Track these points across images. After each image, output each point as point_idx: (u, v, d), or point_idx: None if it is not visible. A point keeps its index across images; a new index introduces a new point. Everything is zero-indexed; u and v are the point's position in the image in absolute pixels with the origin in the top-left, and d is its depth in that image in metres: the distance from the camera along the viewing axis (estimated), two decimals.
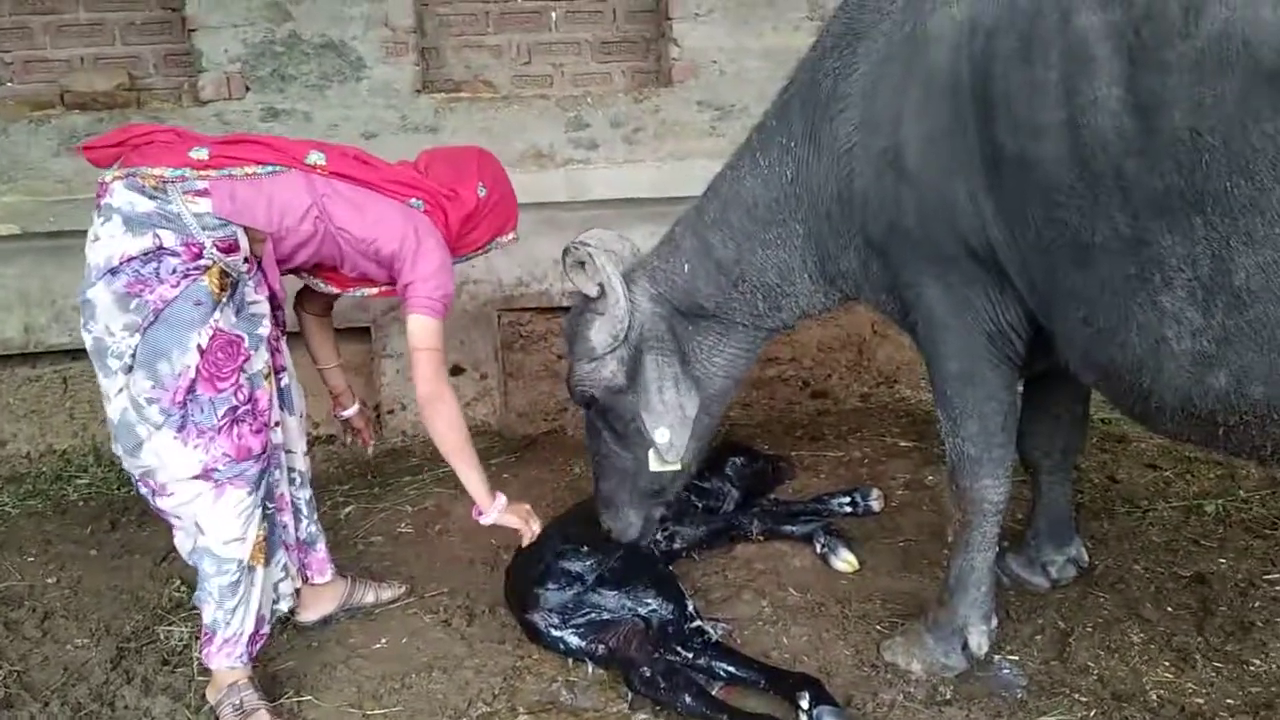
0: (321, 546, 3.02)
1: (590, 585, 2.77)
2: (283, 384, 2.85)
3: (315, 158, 2.61)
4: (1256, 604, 2.83)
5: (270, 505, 2.73)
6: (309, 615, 3.02)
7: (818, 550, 3.23)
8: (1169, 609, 2.84)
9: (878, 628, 2.83)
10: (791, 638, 2.81)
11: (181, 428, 2.43)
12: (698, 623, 2.72)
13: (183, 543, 2.63)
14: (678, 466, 2.86)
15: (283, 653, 2.88)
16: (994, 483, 2.51)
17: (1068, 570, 2.99)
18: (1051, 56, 1.93)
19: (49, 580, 3.34)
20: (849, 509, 3.52)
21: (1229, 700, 2.44)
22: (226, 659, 2.55)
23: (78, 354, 4.33)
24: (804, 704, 2.40)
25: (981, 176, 2.14)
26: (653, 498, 2.99)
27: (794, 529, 3.35)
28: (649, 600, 2.75)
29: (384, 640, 2.93)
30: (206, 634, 2.56)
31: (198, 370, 2.43)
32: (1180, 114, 1.76)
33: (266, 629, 2.68)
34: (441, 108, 4.47)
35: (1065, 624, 2.80)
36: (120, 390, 2.45)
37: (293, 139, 2.78)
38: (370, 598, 3.12)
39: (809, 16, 4.59)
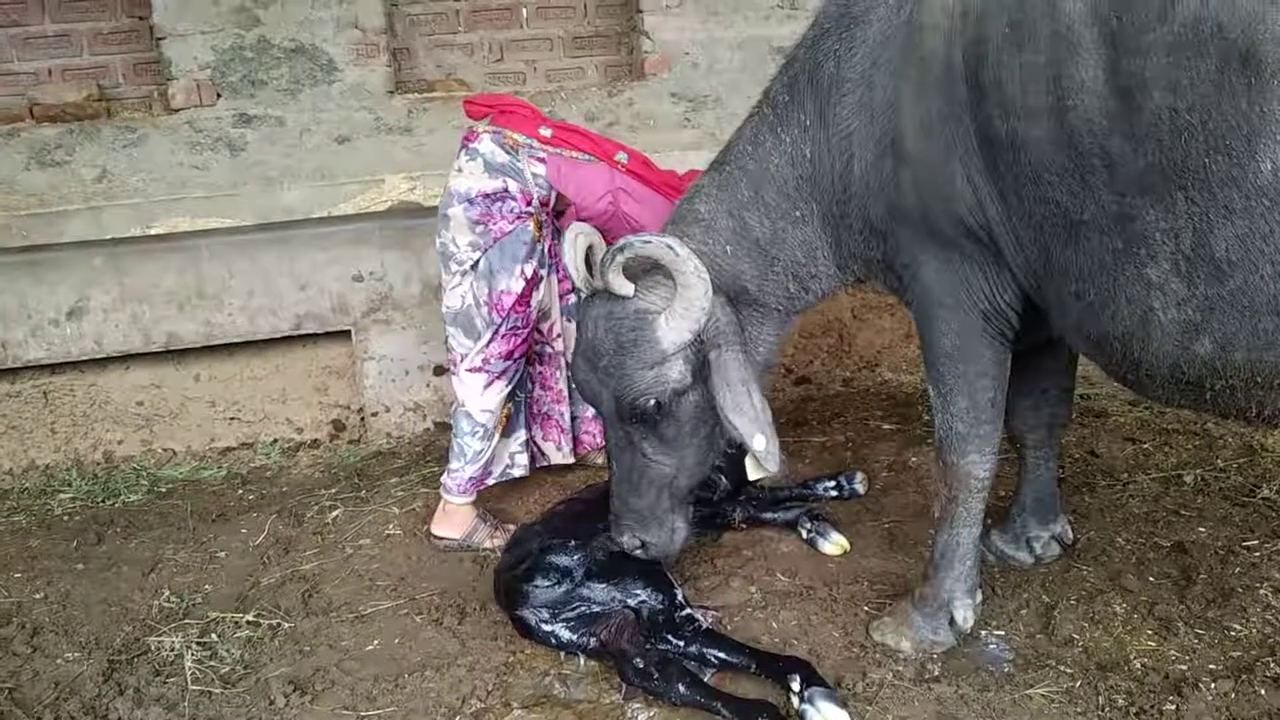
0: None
1: (579, 579, 2.79)
2: (569, 302, 3.70)
3: (620, 157, 3.41)
4: (1236, 570, 2.88)
5: (520, 394, 3.65)
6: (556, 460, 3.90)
7: (804, 536, 3.26)
8: (1151, 579, 2.88)
9: (865, 609, 2.86)
10: (781, 622, 2.83)
11: (492, 328, 3.35)
12: (688, 611, 2.74)
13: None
14: (776, 472, 2.67)
15: (274, 659, 2.87)
16: (980, 459, 2.55)
17: (1052, 547, 3.02)
18: (1040, 41, 1.99)
19: (36, 595, 3.32)
20: (834, 493, 3.55)
21: (1211, 665, 2.48)
22: (461, 494, 3.45)
23: (57, 368, 4.32)
24: (795, 686, 2.42)
25: (977, 159, 2.20)
26: (685, 502, 2.87)
27: (777, 515, 3.37)
28: (638, 591, 2.77)
29: (376, 642, 2.93)
30: (451, 474, 3.45)
31: (519, 295, 3.33)
32: (1160, 94, 1.85)
33: (491, 481, 3.61)
34: (415, 108, 4.47)
35: (1049, 597, 2.84)
36: (456, 288, 3.37)
37: (607, 138, 3.59)
38: (600, 460, 3.83)
39: (779, 5, 4.61)
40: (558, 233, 3.49)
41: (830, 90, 2.46)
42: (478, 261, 3.33)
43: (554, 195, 3.39)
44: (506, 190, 3.30)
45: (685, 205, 2.78)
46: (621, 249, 2.51)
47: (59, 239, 4.15)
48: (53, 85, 4.39)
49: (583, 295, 2.83)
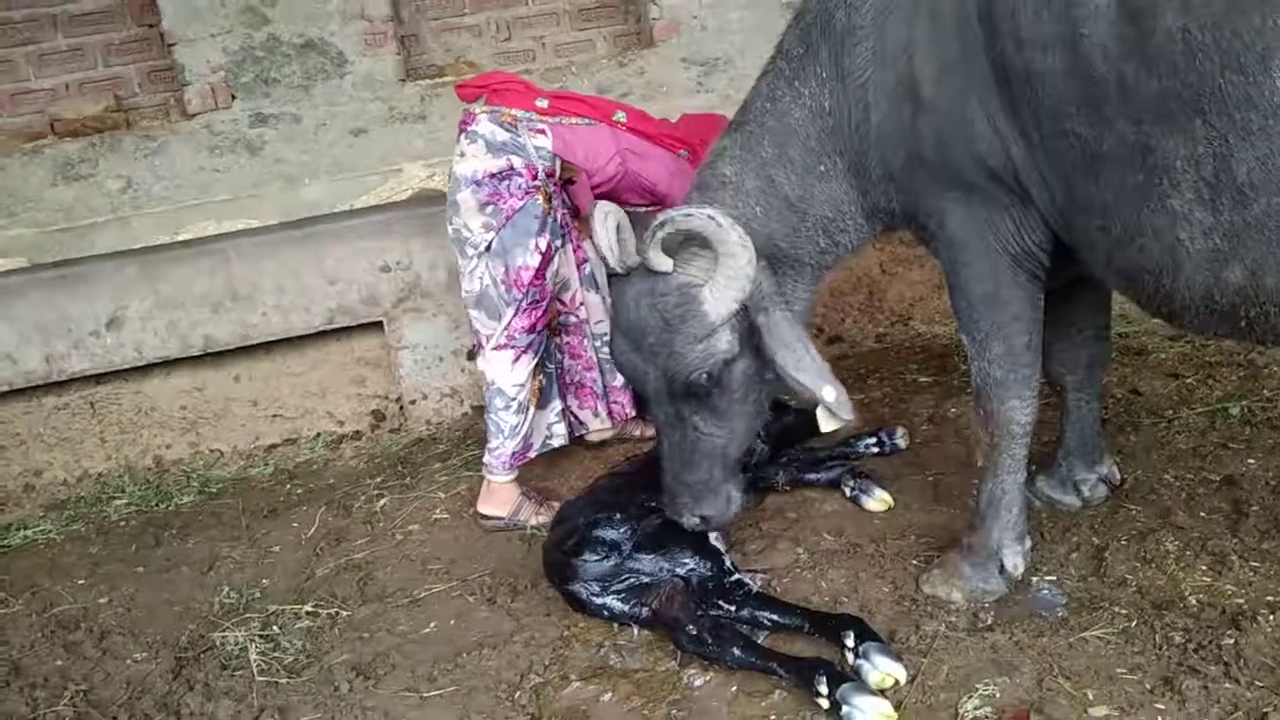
0: (628, 387, 3.82)
1: (627, 551, 2.81)
2: (586, 271, 3.74)
3: (619, 116, 3.44)
4: None
5: (549, 365, 3.70)
6: (595, 436, 3.97)
7: (848, 494, 3.26)
8: (1202, 514, 2.86)
9: (914, 562, 2.87)
10: (830, 581, 2.85)
11: (513, 304, 3.37)
12: (737, 575, 2.76)
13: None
14: (851, 419, 2.60)
15: (335, 647, 2.94)
16: (1021, 404, 2.53)
17: (1099, 489, 3.00)
18: None
19: (101, 600, 3.41)
20: (876, 450, 3.54)
21: (1269, 597, 2.46)
22: (502, 470, 3.48)
23: (102, 378, 4.40)
24: (849, 643, 2.44)
25: (995, 97, 2.17)
26: (736, 469, 2.84)
27: (819, 476, 3.38)
28: (686, 559, 2.79)
29: (433, 624, 2.99)
30: (492, 452, 3.48)
31: (536, 269, 3.34)
32: (1172, 15, 1.81)
33: (533, 454, 3.63)
34: (427, 94, 4.47)
35: (1099, 539, 2.82)
36: (473, 270, 3.40)
37: (602, 99, 3.67)
38: (638, 432, 3.99)
39: None
40: (567, 204, 3.56)
41: (844, 39, 2.42)
42: (491, 242, 3.35)
43: (559, 165, 3.40)
44: (511, 167, 3.31)
45: (708, 170, 2.70)
46: (663, 224, 2.46)
47: (91, 251, 4.22)
48: (71, 100, 4.44)
49: (617, 275, 2.77)
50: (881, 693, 2.32)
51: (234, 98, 4.33)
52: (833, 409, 2.55)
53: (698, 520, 2.77)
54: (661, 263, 2.52)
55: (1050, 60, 2.02)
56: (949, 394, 3.93)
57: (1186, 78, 1.83)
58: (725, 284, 2.49)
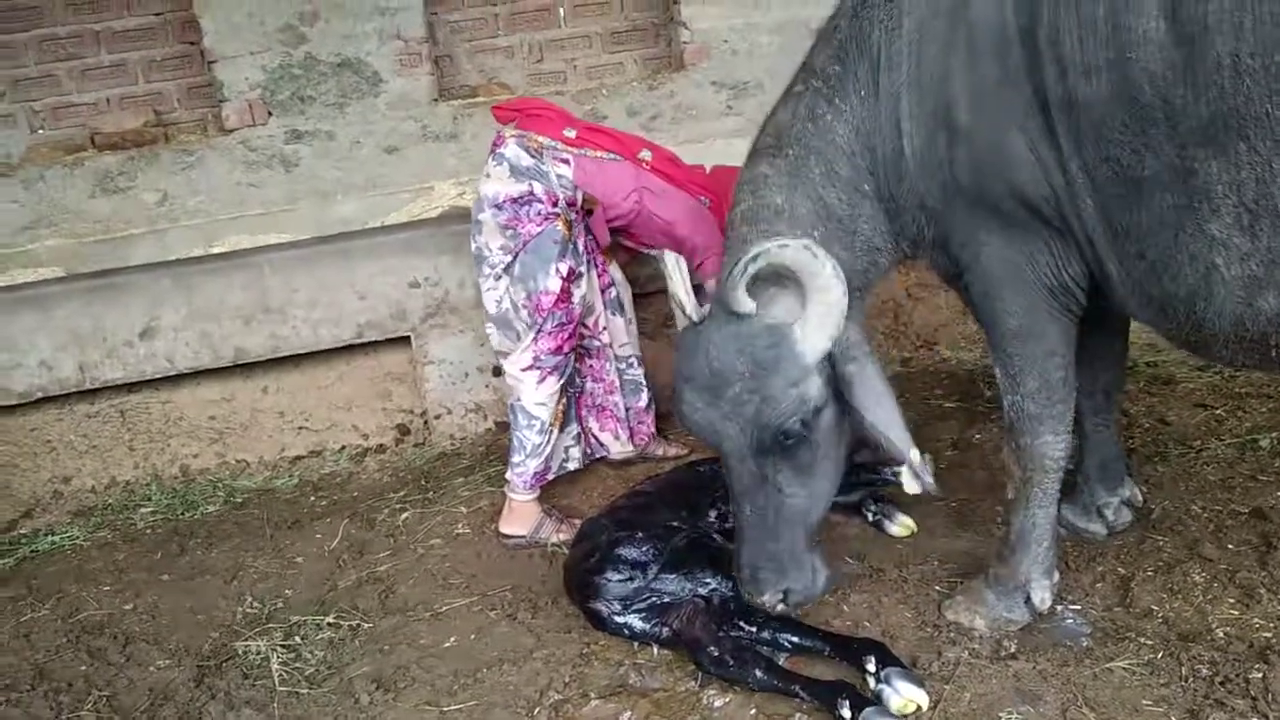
0: (653, 408, 3.98)
1: (649, 570, 2.81)
2: (611, 295, 3.80)
3: (644, 154, 3.50)
4: None
5: (571, 390, 3.71)
6: (618, 455, 3.96)
7: (869, 519, 3.25)
8: (1230, 546, 2.82)
9: (937, 588, 2.85)
10: (852, 605, 2.83)
11: (534, 328, 3.42)
12: None
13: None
14: (933, 487, 2.47)
15: (356, 659, 2.96)
16: (1055, 439, 2.51)
17: (1123, 513, 2.98)
18: None
19: (126, 607, 3.45)
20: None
21: None
22: (524, 489, 3.52)
23: (133, 387, 4.46)
24: (871, 667, 2.42)
25: (1036, 124, 2.15)
26: (819, 538, 2.64)
27: (840, 499, 3.35)
28: (708, 579, 2.79)
29: (453, 639, 3.00)
30: (514, 469, 3.53)
31: (558, 294, 3.38)
32: (1222, 40, 1.83)
33: (551, 475, 3.66)
34: (460, 114, 4.52)
35: (1126, 570, 2.80)
36: (492, 290, 3.46)
37: (632, 135, 3.66)
38: (660, 451, 4.01)
39: None
40: (590, 231, 3.60)
41: (879, 60, 2.39)
42: (510, 264, 3.40)
43: (580, 195, 3.44)
44: (532, 193, 3.36)
45: (754, 202, 2.53)
46: (755, 259, 2.26)
47: (127, 262, 4.29)
48: (112, 114, 4.53)
49: (688, 324, 2.56)
50: (904, 718, 2.30)
51: (270, 114, 4.40)
52: (919, 471, 2.42)
53: (780, 598, 2.54)
54: (746, 304, 2.34)
55: (1095, 86, 2.02)
56: (974, 420, 3.91)
57: (1234, 102, 1.85)
58: (818, 322, 2.32)
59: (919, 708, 2.33)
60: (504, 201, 3.37)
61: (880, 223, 2.55)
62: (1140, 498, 3.03)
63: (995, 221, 2.33)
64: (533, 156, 3.37)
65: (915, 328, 4.82)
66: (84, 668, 3.08)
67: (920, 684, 2.37)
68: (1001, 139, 2.22)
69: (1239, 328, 2.05)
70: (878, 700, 2.34)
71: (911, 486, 2.47)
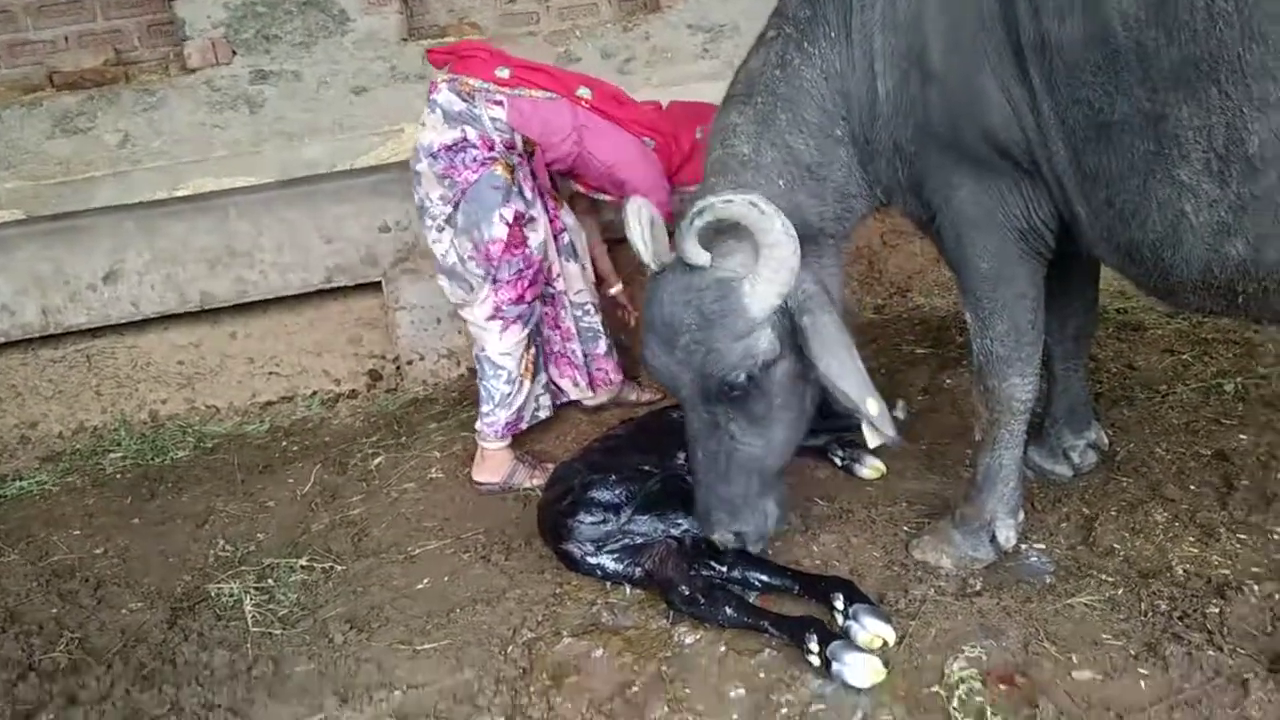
0: (613, 353, 3.86)
1: (622, 512, 2.83)
2: (564, 241, 3.65)
3: (583, 92, 3.33)
4: (1278, 475, 2.86)
5: (538, 337, 3.62)
6: (592, 400, 3.89)
7: (839, 464, 3.27)
8: (1192, 487, 2.88)
9: (905, 529, 2.89)
10: (821, 545, 2.87)
11: (488, 278, 3.33)
12: None
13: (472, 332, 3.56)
14: (895, 438, 2.47)
15: (330, 600, 2.96)
16: (1022, 381, 2.54)
17: (1089, 456, 3.02)
18: None
19: (96, 551, 3.44)
20: None
21: (1254, 569, 2.49)
22: (495, 438, 3.48)
23: (98, 332, 4.40)
24: (839, 605, 2.46)
25: (1009, 67, 2.14)
26: (775, 484, 2.69)
27: (806, 443, 3.36)
28: (680, 520, 2.81)
29: (426, 580, 3.01)
30: (484, 419, 3.49)
31: (505, 240, 3.27)
32: None
33: (524, 425, 3.59)
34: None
35: (1090, 510, 2.85)
36: (438, 242, 3.37)
37: (570, 72, 3.54)
38: (633, 397, 3.96)
39: None
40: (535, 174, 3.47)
41: (851, 3, 2.37)
42: (452, 215, 3.30)
43: (519, 137, 3.32)
44: (465, 139, 3.25)
45: (723, 151, 2.54)
46: (700, 212, 2.29)
47: (89, 205, 4.19)
48: (70, 53, 4.40)
49: (650, 273, 2.58)
50: (870, 653, 2.34)
51: (234, 54, 4.29)
52: (876, 424, 2.43)
53: (731, 536, 2.63)
54: (698, 256, 2.36)
55: (1068, 27, 2.01)
56: (945, 365, 3.94)
57: (1206, 46, 1.84)
58: (768, 277, 2.34)
59: (885, 642, 2.37)
60: (439, 150, 3.26)
61: (854, 169, 2.54)
62: (1106, 441, 3.08)
63: (967, 164, 2.33)
64: (465, 101, 3.25)
65: (889, 275, 4.83)
66: (55, 610, 3.07)
67: (887, 620, 2.41)
68: (974, 81, 2.21)
69: (1207, 274, 2.06)
70: (845, 635, 2.38)
71: (872, 439, 2.49)
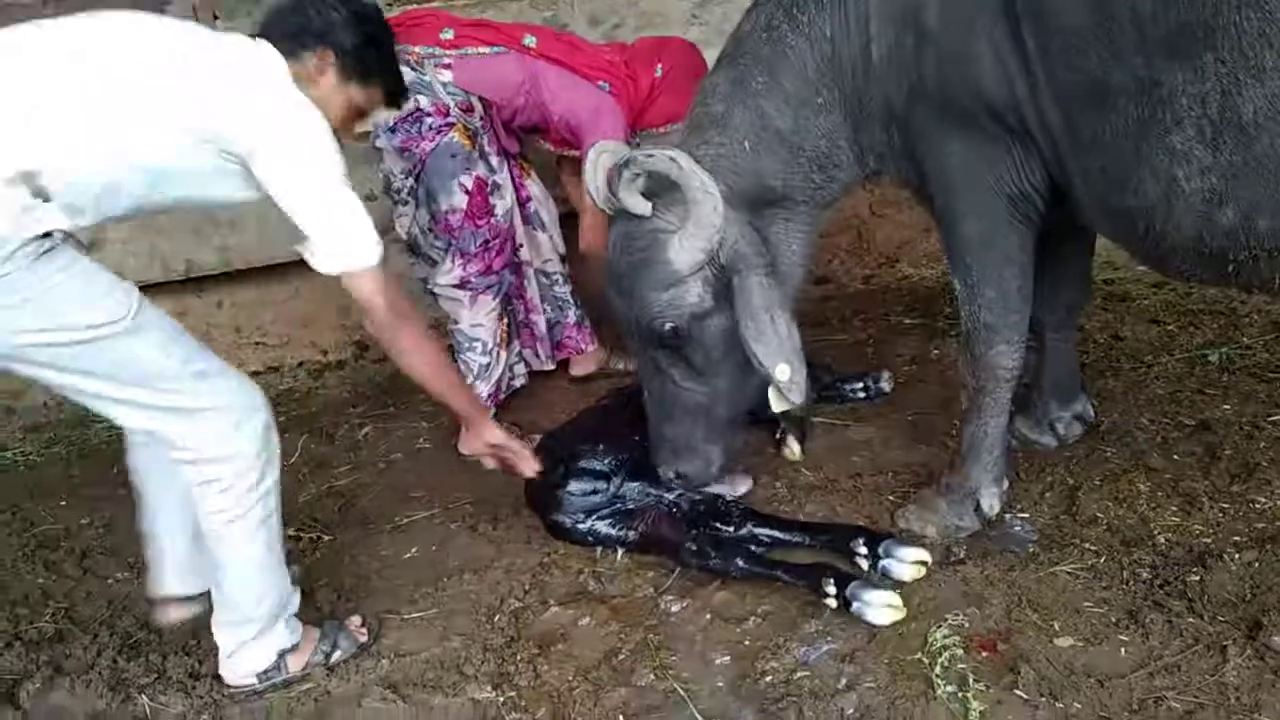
0: (585, 323, 3.82)
1: (613, 480, 2.84)
2: (531, 210, 3.59)
3: (529, 40, 3.25)
4: (1261, 445, 2.88)
5: (510, 306, 3.58)
6: (579, 370, 3.88)
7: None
8: (1175, 457, 2.90)
9: (890, 498, 2.90)
10: (807, 514, 2.88)
11: (451, 251, 3.29)
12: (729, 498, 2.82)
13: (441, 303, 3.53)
14: (800, 403, 2.55)
15: (318, 569, 2.97)
16: (1009, 349, 2.54)
17: (1075, 427, 3.04)
18: None
19: (82, 521, 3.43)
20: (862, 394, 3.52)
21: (1235, 537, 2.51)
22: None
23: None
24: (861, 550, 2.51)
25: (1003, 30, 2.13)
26: (726, 432, 2.81)
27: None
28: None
29: (414, 549, 3.02)
30: None
31: (465, 210, 3.20)
32: None
33: (503, 396, 3.60)
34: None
35: (1073, 479, 2.86)
36: (403, 216, 3.37)
37: (515, 23, 3.44)
38: (621, 366, 3.89)
39: None
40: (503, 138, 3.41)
41: None
42: (414, 188, 3.28)
43: (476, 99, 3.26)
44: (419, 108, 3.19)
45: (699, 110, 2.61)
46: (626, 165, 2.42)
47: None
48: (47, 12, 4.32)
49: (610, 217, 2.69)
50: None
51: (216, 18, 4.22)
52: (783, 389, 2.50)
53: (673, 475, 2.77)
54: (637, 205, 2.47)
55: None
56: (933, 336, 3.95)
57: (1203, 13, 1.83)
58: (693, 233, 2.44)
59: (926, 564, 2.47)
60: (395, 123, 3.20)
61: (841, 137, 2.53)
62: (1092, 413, 3.09)
63: (958, 127, 2.31)
64: (414, 69, 3.16)
65: (878, 245, 4.82)
66: (41, 580, 3.07)
67: (918, 544, 2.51)
68: (969, 44, 2.19)
69: (1198, 242, 2.06)
70: (884, 574, 2.46)
71: (777, 404, 2.56)
